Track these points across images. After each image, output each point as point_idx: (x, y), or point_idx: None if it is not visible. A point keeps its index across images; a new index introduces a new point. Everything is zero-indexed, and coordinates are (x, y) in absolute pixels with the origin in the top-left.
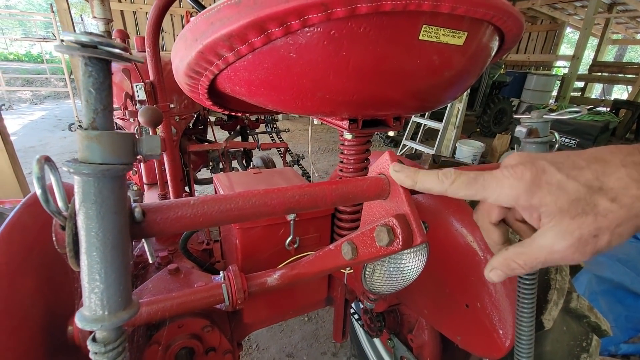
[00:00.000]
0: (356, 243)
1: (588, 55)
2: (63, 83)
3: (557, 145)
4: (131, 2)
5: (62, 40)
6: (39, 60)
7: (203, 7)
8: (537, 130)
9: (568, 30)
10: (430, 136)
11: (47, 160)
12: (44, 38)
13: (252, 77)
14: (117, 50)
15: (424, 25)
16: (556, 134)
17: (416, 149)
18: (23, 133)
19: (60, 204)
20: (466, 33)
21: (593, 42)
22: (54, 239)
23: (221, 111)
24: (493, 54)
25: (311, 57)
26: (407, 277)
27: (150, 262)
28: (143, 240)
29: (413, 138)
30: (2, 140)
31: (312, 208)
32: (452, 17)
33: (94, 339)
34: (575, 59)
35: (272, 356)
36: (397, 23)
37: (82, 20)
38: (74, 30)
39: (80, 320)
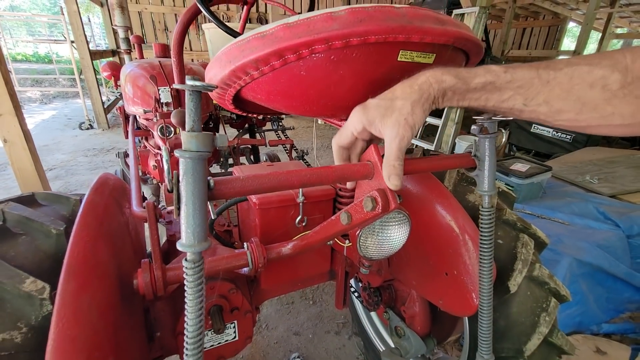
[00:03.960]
0: (350, 212)
1: (593, 50)
2: (71, 83)
3: (504, 140)
4: (136, 3)
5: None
6: (46, 60)
7: (220, 22)
8: (486, 128)
9: (573, 24)
10: (430, 132)
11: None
12: (55, 40)
13: (271, 89)
14: (204, 84)
15: (400, 50)
16: (503, 131)
17: (416, 145)
18: (36, 132)
19: (166, 179)
20: (434, 54)
21: (598, 36)
22: (163, 199)
23: (239, 112)
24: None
25: (317, 74)
26: (393, 245)
27: (212, 218)
28: (207, 202)
29: None
30: (25, 139)
31: (319, 183)
32: (422, 44)
33: (186, 259)
34: (577, 54)
35: (281, 334)
36: (380, 50)
37: (89, 21)
38: (83, 30)
39: (181, 246)
